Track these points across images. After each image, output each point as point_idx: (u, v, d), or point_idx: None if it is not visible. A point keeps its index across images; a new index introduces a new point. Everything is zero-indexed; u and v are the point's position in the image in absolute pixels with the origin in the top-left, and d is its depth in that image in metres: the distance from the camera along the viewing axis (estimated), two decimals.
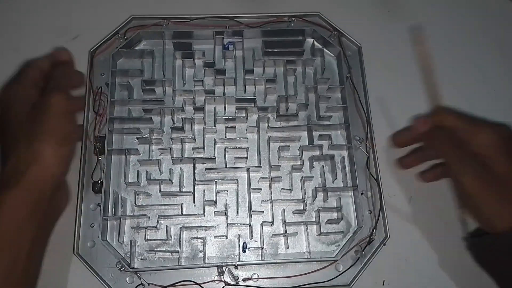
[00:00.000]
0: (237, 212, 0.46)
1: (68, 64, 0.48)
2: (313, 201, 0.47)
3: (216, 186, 0.46)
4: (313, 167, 0.48)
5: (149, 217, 0.45)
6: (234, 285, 0.43)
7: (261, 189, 0.47)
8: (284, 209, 0.46)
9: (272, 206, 0.46)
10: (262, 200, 0.46)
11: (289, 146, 0.48)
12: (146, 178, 0.46)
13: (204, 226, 0.45)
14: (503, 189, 0.40)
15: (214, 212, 0.46)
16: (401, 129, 0.50)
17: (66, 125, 0.42)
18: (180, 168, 0.47)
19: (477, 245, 0.43)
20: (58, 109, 0.41)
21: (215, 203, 0.46)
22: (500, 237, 0.39)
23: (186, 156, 0.48)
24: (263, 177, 0.47)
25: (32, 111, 0.41)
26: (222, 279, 0.43)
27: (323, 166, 0.48)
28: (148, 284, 0.43)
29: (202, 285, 0.43)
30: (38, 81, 0.44)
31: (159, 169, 0.47)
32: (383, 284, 0.45)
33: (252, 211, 0.45)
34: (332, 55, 0.53)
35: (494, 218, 0.40)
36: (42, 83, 0.44)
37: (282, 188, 0.47)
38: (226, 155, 0.48)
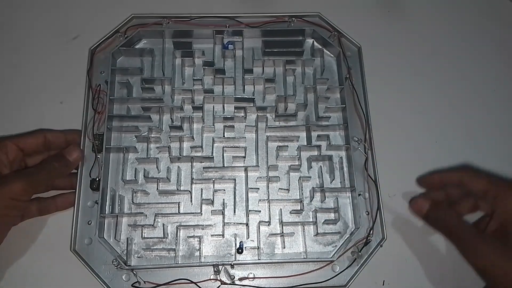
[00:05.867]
0: (234, 212, 0.46)
1: (70, 163, 0.45)
2: (311, 201, 0.47)
3: (213, 185, 0.46)
4: (311, 167, 0.48)
5: (146, 215, 0.45)
6: (230, 284, 0.43)
7: (258, 188, 0.47)
8: (281, 209, 0.46)
9: (269, 206, 0.46)
10: (260, 200, 0.46)
11: (287, 146, 0.48)
12: (144, 176, 0.46)
13: (201, 225, 0.45)
14: None
15: (211, 211, 0.46)
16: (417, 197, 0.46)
17: (6, 210, 0.40)
18: (178, 166, 0.48)
19: None
20: (11, 196, 0.40)
21: (212, 202, 0.46)
22: None
23: (184, 154, 0.48)
24: (260, 177, 0.47)
25: None
26: (218, 278, 0.43)
27: (321, 166, 0.48)
28: (144, 282, 0.43)
29: (198, 283, 0.43)
30: (36, 150, 0.45)
31: (157, 167, 0.47)
32: (383, 284, 0.45)
33: (249, 210, 0.45)
34: (332, 55, 0.53)
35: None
36: (42, 151, 0.46)
37: (279, 188, 0.47)
38: (224, 154, 0.48)
